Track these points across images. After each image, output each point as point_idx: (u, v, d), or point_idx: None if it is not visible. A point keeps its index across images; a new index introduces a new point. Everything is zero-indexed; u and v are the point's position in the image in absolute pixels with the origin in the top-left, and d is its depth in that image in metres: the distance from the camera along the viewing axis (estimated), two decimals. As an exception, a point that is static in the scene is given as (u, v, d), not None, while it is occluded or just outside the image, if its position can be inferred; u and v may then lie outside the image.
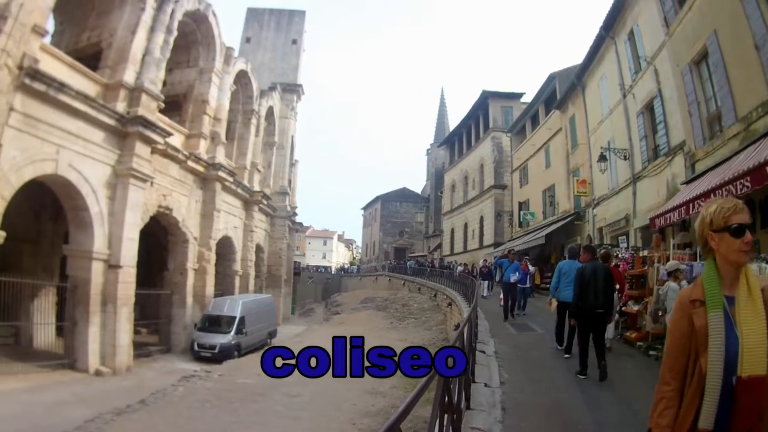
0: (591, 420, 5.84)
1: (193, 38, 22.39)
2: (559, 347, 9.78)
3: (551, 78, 27.91)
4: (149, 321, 20.13)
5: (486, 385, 6.85)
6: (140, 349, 18.36)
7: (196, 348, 19.56)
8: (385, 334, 21.81)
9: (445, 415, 3.67)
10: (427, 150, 69.13)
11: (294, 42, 41.24)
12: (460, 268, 30.85)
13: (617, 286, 9.26)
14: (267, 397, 12.11)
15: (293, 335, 26.51)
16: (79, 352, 15.15)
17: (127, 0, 17.45)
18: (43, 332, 15.88)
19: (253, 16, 41.91)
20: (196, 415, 11.14)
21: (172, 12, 18.69)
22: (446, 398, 3.60)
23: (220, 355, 18.96)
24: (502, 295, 15.66)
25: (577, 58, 38.31)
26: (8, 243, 12.76)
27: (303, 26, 42.20)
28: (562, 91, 25.59)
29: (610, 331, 9.34)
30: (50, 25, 16.58)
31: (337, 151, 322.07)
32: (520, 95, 39.20)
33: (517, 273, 14.94)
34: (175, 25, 18.97)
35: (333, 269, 78.70)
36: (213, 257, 23.33)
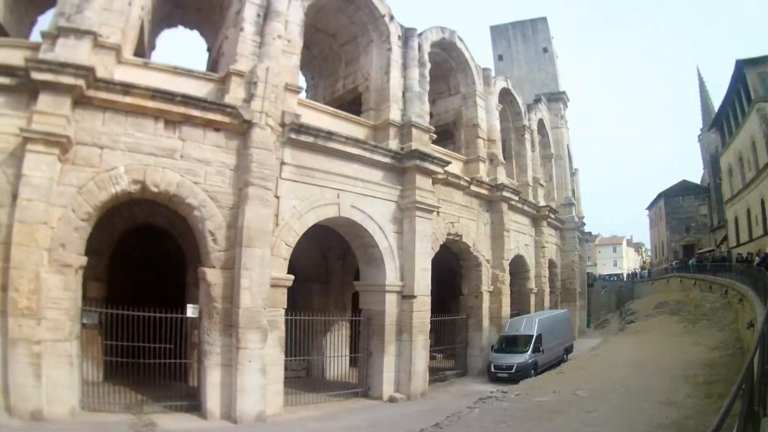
0: None
1: (447, 66, 21.35)
2: None
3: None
4: (445, 346, 19.09)
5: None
6: (435, 374, 17.52)
7: (492, 369, 18.04)
8: (678, 340, 19.26)
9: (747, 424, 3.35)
10: (698, 136, 55.95)
11: (545, 50, 38.06)
12: (757, 259, 23.26)
13: None
14: (563, 414, 10.90)
15: (589, 348, 23.74)
16: (373, 380, 14.88)
17: (372, 44, 17.35)
18: (336, 364, 16.15)
19: (498, 33, 40.31)
20: (490, 435, 10.02)
21: (419, 46, 17.91)
22: (751, 406, 3.44)
23: (517, 375, 17.13)
24: None
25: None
26: (298, 284, 13.07)
27: (548, 33, 38.68)
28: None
29: None
30: (302, 82, 17.50)
31: (610, 151, 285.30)
32: (772, 55, 28.78)
33: None
34: (426, 57, 18.19)
35: (624, 276, 68.35)
36: (507, 278, 21.41)
